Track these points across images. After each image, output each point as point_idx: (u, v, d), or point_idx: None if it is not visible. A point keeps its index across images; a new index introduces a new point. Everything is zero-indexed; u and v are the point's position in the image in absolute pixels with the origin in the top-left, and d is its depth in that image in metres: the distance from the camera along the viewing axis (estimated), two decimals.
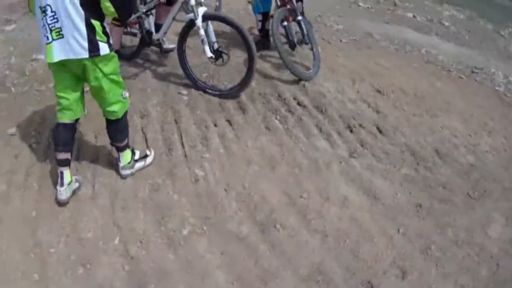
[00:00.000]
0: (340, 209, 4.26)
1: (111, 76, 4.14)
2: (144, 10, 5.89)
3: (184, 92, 5.77)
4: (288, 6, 6.50)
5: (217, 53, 5.47)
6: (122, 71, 5.64)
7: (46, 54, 3.94)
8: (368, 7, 11.44)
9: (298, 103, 5.80)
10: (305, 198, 4.33)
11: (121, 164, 4.55)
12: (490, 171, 5.15)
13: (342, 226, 4.08)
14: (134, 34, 6.33)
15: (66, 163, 4.32)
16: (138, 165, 4.68)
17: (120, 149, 4.54)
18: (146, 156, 4.79)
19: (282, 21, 6.39)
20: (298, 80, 6.20)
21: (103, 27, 3.98)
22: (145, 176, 4.51)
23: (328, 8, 10.69)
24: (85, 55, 3.87)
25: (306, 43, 6.55)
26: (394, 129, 5.54)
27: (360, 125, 5.51)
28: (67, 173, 4.31)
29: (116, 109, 4.28)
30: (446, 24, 11.16)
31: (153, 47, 6.44)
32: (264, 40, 7.19)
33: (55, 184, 4.28)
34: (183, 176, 4.53)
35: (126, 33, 6.29)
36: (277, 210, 4.19)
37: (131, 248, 3.81)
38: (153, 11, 6.01)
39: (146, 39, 6.08)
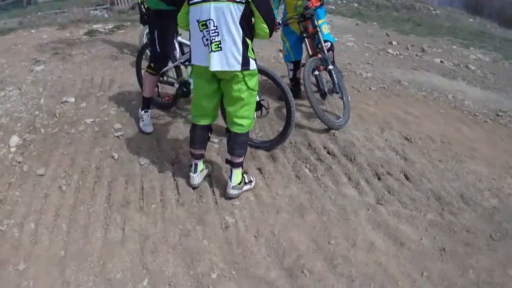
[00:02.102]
0: (367, 254, 4.30)
1: (252, 92, 4.56)
2: (182, 60, 5.99)
3: (215, 140, 5.87)
4: (319, 56, 6.64)
5: (258, 105, 5.41)
6: (156, 119, 5.87)
7: (208, 61, 4.33)
8: (396, 54, 11.54)
9: (328, 152, 5.87)
10: (333, 244, 4.39)
11: (231, 184, 4.85)
12: None
13: (368, 271, 4.13)
14: (171, 84, 6.38)
15: (200, 157, 5.07)
16: (246, 187, 5.00)
17: (235, 166, 4.86)
18: (251, 181, 5.10)
19: (313, 70, 6.49)
20: (328, 129, 6.26)
21: (252, 46, 4.45)
22: (175, 221, 4.59)
23: (357, 56, 10.86)
24: (238, 68, 4.32)
25: (337, 92, 6.59)
26: (420, 176, 5.58)
27: (388, 173, 5.57)
28: (200, 163, 5.08)
29: (244, 123, 4.68)
30: (472, 68, 11.21)
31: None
32: (295, 89, 7.28)
33: (84, 226, 4.45)
34: (213, 222, 4.59)
35: (162, 82, 6.38)
36: (305, 255, 4.24)
37: None
38: None
39: (183, 89, 6.11)
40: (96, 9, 18.44)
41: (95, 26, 12.67)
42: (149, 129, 5.98)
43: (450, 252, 4.46)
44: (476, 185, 5.60)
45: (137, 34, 9.64)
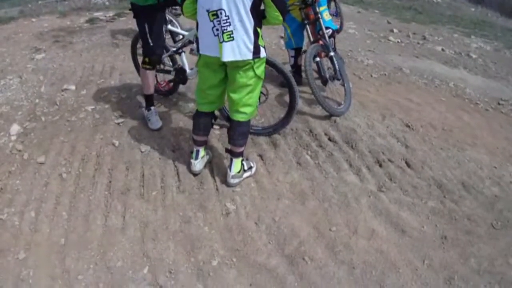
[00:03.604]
0: (368, 241, 4.29)
1: (259, 79, 4.56)
2: (175, 49, 5.98)
3: (216, 126, 5.84)
4: (321, 42, 6.61)
5: None
6: (157, 107, 5.86)
7: (219, 52, 4.28)
8: (398, 41, 11.48)
9: (329, 139, 5.85)
10: (334, 231, 4.37)
11: (231, 173, 4.85)
12: None
13: (369, 258, 4.11)
14: (168, 72, 6.35)
15: (203, 143, 5.07)
16: (246, 175, 4.99)
17: (236, 155, 4.85)
18: (251, 167, 5.09)
19: (315, 56, 6.45)
20: (330, 115, 6.24)
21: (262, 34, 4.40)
22: (176, 208, 4.58)
23: (359, 43, 10.80)
24: (250, 57, 4.30)
25: (338, 79, 6.57)
26: (422, 163, 5.56)
27: (389, 160, 5.54)
28: (202, 150, 5.07)
29: (248, 111, 4.65)
30: (474, 56, 11.14)
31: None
32: (296, 75, 7.23)
33: (85, 214, 4.45)
34: (214, 209, 4.59)
35: (159, 71, 6.30)
36: (305, 243, 4.23)
37: (160, 278, 3.86)
38: (185, 49, 6.04)
39: (180, 76, 6.14)
40: None
41: (96, 14, 12.62)
42: (158, 124, 5.89)
43: (452, 240, 4.44)
44: (477, 173, 5.58)
45: None
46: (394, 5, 17.70)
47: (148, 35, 5.51)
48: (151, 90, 5.96)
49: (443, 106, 7.41)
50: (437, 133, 6.39)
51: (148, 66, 5.73)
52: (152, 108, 5.99)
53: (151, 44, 5.55)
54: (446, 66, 9.97)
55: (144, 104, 6.14)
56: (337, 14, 11.10)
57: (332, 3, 11.03)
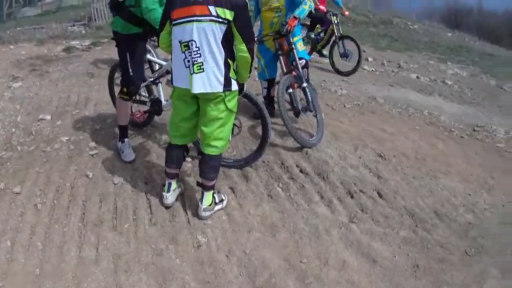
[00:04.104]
0: (339, 272, 4.42)
1: (231, 112, 4.71)
2: (152, 79, 6.11)
3: (188, 159, 5.97)
4: (294, 73, 6.80)
5: None
6: (130, 138, 6.03)
7: (189, 83, 4.46)
8: (372, 70, 11.77)
9: (301, 170, 6.01)
10: (305, 263, 4.50)
11: (202, 206, 4.95)
12: (488, 228, 5.37)
13: None
14: (144, 103, 6.43)
15: (175, 176, 5.15)
16: (217, 207, 5.12)
17: (207, 189, 4.96)
18: (222, 200, 5.22)
19: (288, 88, 6.63)
20: (302, 147, 6.39)
21: (234, 67, 4.58)
22: (148, 241, 4.69)
23: (333, 73, 11.04)
24: (220, 89, 4.44)
25: (311, 110, 6.74)
26: (394, 193, 5.76)
27: (361, 191, 5.72)
28: (174, 182, 5.15)
29: (219, 145, 4.79)
30: (449, 83, 11.49)
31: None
32: (269, 107, 7.33)
33: (59, 245, 4.55)
34: (185, 241, 4.68)
35: (135, 101, 6.36)
36: (276, 275, 4.34)
37: None
38: (162, 79, 6.19)
39: (155, 108, 6.24)
40: (74, 25, 18.67)
41: (72, 43, 13.01)
42: (131, 157, 5.98)
43: (424, 268, 4.60)
44: (450, 201, 5.80)
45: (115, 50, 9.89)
46: (370, 33, 18.08)
47: (129, 65, 5.66)
48: (126, 121, 6.08)
49: (417, 134, 7.67)
50: (410, 162, 6.60)
51: (125, 97, 5.86)
52: (126, 140, 6.09)
53: (131, 74, 5.69)
54: (420, 94, 10.29)
55: (118, 135, 6.26)
56: (346, 55, 11.54)
57: (341, 43, 11.46)
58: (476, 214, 5.62)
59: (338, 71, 11.37)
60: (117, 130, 6.36)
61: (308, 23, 12.00)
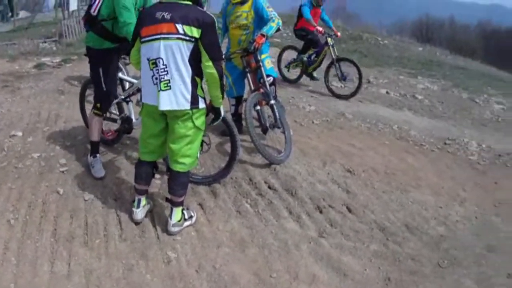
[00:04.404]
0: (309, 286, 4.50)
1: (199, 130, 4.81)
2: (123, 97, 6.21)
3: (157, 176, 5.99)
4: (262, 90, 6.90)
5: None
6: (100, 155, 6.13)
7: (157, 100, 4.57)
8: (341, 86, 11.85)
9: (269, 187, 6.11)
10: (274, 277, 4.58)
11: (172, 222, 5.04)
12: (461, 240, 5.49)
13: None
14: (114, 120, 6.56)
15: (144, 192, 5.25)
16: (186, 223, 5.20)
17: (175, 205, 5.05)
18: (191, 216, 5.30)
19: (255, 105, 6.76)
20: (270, 163, 6.50)
21: (201, 84, 4.65)
22: (119, 256, 4.75)
23: (301, 90, 11.15)
24: (187, 106, 4.55)
25: (278, 127, 6.88)
26: (363, 208, 5.88)
27: (330, 206, 5.83)
28: (143, 199, 5.24)
29: (187, 162, 4.89)
30: (420, 97, 11.67)
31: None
32: (237, 123, 7.40)
33: (32, 260, 4.58)
34: (155, 257, 4.73)
35: (106, 119, 6.45)
36: None
37: None
38: (133, 98, 6.29)
39: (125, 125, 6.36)
40: (45, 42, 18.76)
41: (43, 59, 13.26)
42: (102, 173, 6.06)
43: (396, 281, 4.70)
44: (421, 214, 5.93)
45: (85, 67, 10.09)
46: (340, 49, 18.15)
47: (102, 80, 5.80)
48: (98, 137, 6.20)
49: (387, 149, 7.83)
50: (380, 177, 6.74)
51: (98, 112, 5.99)
52: (98, 155, 6.19)
53: (105, 89, 5.84)
54: (390, 109, 10.48)
55: (88, 151, 6.34)
56: (344, 78, 11.36)
57: (338, 65, 11.25)
58: (448, 226, 5.75)
59: (335, 95, 11.25)
60: (87, 147, 6.48)
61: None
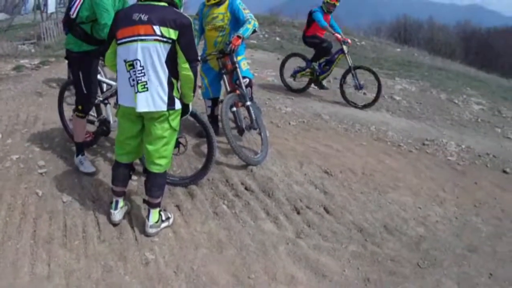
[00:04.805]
0: (287, 287, 4.57)
1: (174, 131, 4.95)
2: (102, 99, 6.33)
3: (134, 177, 6.09)
4: (238, 92, 7.00)
5: (176, 143, 5.58)
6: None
7: (134, 102, 4.66)
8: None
9: (246, 188, 6.19)
10: (253, 278, 4.64)
11: (149, 223, 5.09)
12: (441, 240, 5.59)
13: None
14: (92, 122, 6.69)
15: (121, 194, 5.36)
16: (163, 225, 5.25)
17: (153, 206, 5.12)
18: (168, 217, 5.36)
19: (231, 106, 6.84)
20: (246, 165, 6.59)
21: (177, 86, 4.75)
22: (97, 257, 4.79)
23: (278, 91, 11.26)
24: (164, 108, 4.65)
25: (255, 128, 6.99)
26: (341, 209, 5.96)
27: (307, 207, 5.91)
28: (121, 200, 5.34)
29: (163, 163, 4.98)
30: (397, 98, 11.82)
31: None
32: (213, 125, 7.36)
33: (13, 261, 4.62)
34: (134, 258, 4.80)
35: None
36: None
37: None
38: (111, 100, 6.36)
39: (103, 128, 6.49)
40: (24, 44, 18.92)
41: (22, 61, 13.30)
42: (92, 168, 6.22)
43: (375, 281, 4.78)
44: (400, 215, 6.03)
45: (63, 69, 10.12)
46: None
47: (82, 82, 5.88)
48: (82, 138, 6.33)
49: (364, 150, 7.95)
50: (357, 178, 6.85)
51: (80, 114, 6.09)
52: (85, 154, 6.35)
53: (85, 91, 5.91)
54: (367, 110, 10.54)
55: (66, 153, 6.50)
56: (361, 87, 11.38)
57: (354, 73, 11.22)
58: (428, 227, 5.85)
59: (352, 104, 11.17)
60: (65, 149, 6.68)
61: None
